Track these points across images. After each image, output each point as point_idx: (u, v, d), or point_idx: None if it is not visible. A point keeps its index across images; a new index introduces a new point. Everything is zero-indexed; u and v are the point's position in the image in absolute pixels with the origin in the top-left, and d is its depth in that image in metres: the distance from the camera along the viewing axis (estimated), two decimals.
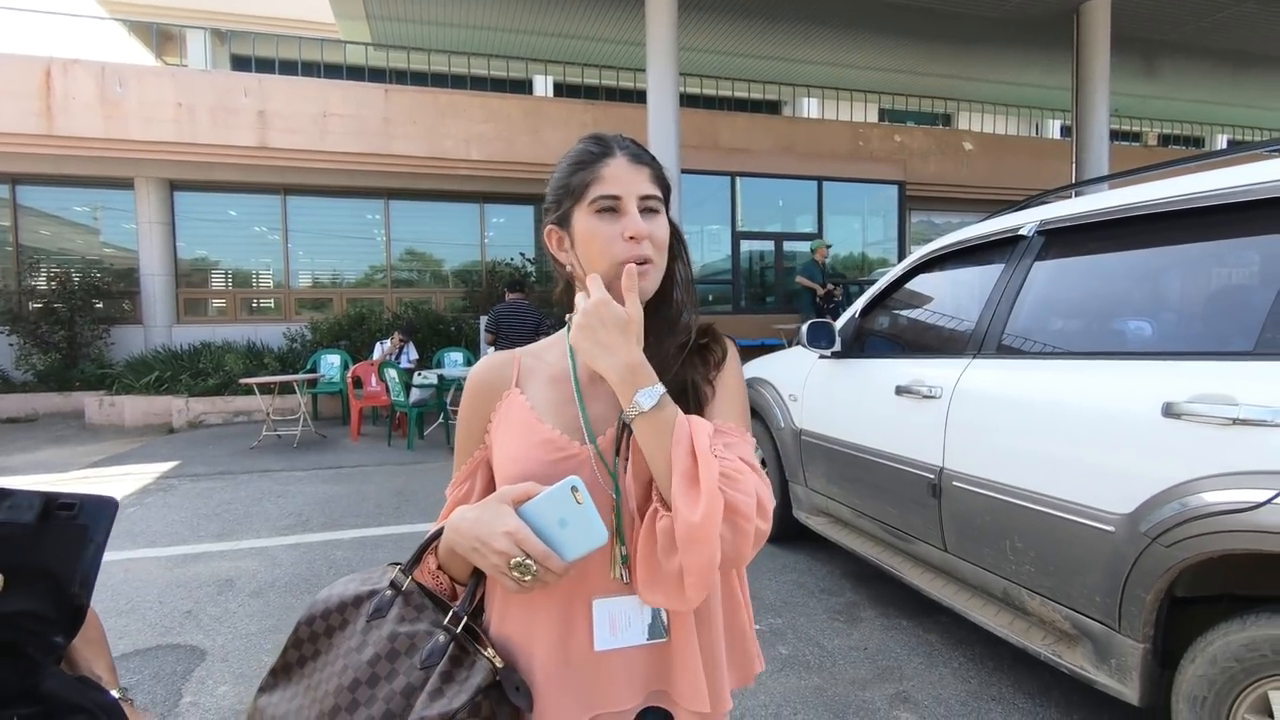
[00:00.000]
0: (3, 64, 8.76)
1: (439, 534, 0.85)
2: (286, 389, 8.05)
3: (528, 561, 0.71)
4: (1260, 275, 1.80)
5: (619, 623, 0.81)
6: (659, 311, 0.89)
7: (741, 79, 12.83)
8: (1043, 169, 12.44)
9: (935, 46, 11.71)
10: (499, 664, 0.77)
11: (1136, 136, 16.99)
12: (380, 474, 5.92)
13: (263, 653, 2.77)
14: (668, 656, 0.83)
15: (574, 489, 0.73)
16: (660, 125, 7.48)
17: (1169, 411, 1.74)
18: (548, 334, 1.01)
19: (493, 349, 6.75)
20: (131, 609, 3.19)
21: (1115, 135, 13.79)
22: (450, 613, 0.80)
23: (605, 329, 0.76)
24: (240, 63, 12.88)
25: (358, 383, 8.15)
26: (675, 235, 0.90)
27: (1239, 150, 2.10)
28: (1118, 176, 2.58)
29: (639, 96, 9.15)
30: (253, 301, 11.04)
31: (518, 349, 0.96)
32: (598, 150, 0.85)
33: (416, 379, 7.31)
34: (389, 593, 0.82)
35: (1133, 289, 2.17)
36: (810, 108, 14.57)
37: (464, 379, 6.97)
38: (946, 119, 16.24)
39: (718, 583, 0.87)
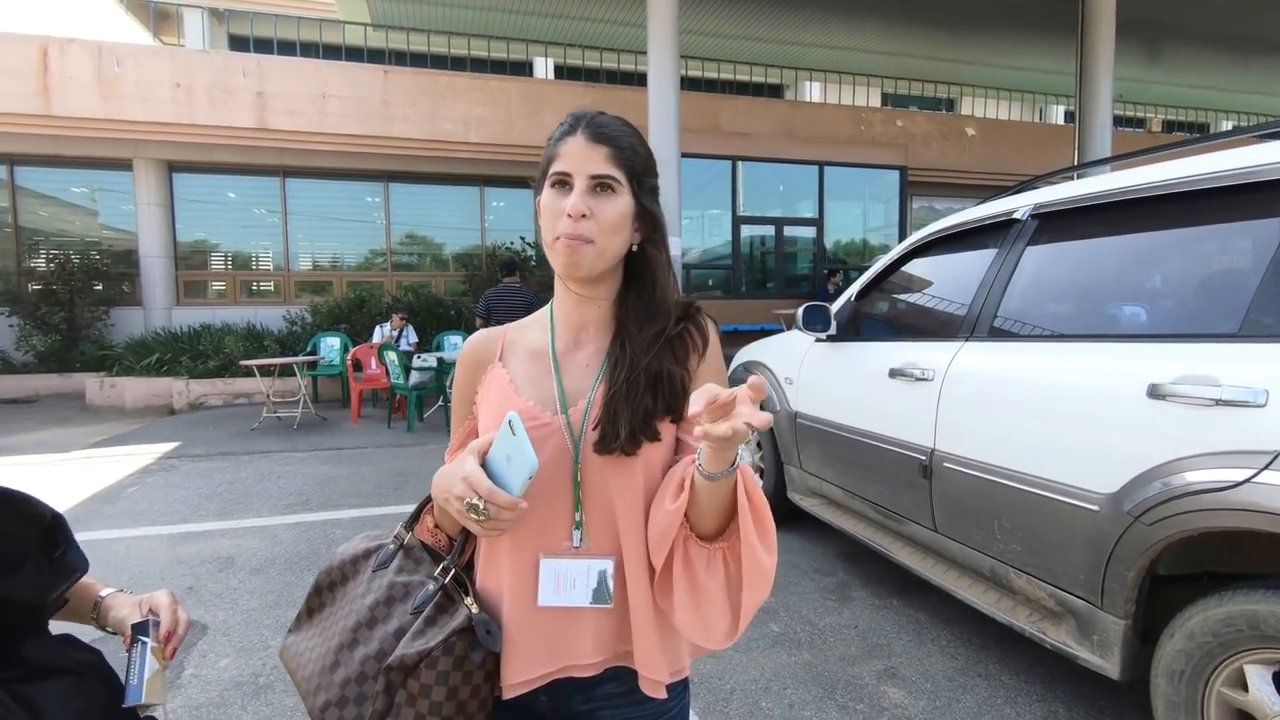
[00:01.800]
0: None
1: None
2: (286, 371, 8.07)
3: (476, 501, 0.74)
4: (1247, 258, 1.82)
5: (563, 583, 0.85)
6: (633, 296, 0.91)
7: (743, 62, 12.75)
8: (1045, 155, 12.38)
9: (939, 30, 11.63)
10: (474, 610, 0.83)
11: (1140, 122, 16.88)
12: (380, 455, 5.96)
13: (263, 627, 2.82)
14: (623, 621, 0.87)
15: (509, 423, 0.77)
16: (660, 108, 7.44)
17: (1154, 393, 1.77)
18: None
19: None
20: (133, 585, 3.24)
21: (1119, 121, 13.71)
22: (441, 565, 0.87)
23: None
24: (238, 43, 12.80)
25: (357, 365, 8.18)
26: (649, 218, 0.90)
27: (1232, 135, 2.11)
28: (1120, 159, 2.58)
29: (640, 79, 9.10)
30: (253, 284, 11.04)
31: (506, 325, 0.99)
32: (565, 127, 0.88)
33: (416, 362, 7.33)
34: (391, 546, 0.93)
35: (1122, 272, 2.19)
36: (812, 91, 14.48)
37: None
38: (950, 104, 16.14)
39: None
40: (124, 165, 10.06)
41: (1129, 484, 1.80)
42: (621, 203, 0.86)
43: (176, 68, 9.32)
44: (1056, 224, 2.40)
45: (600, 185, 0.85)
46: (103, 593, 0.91)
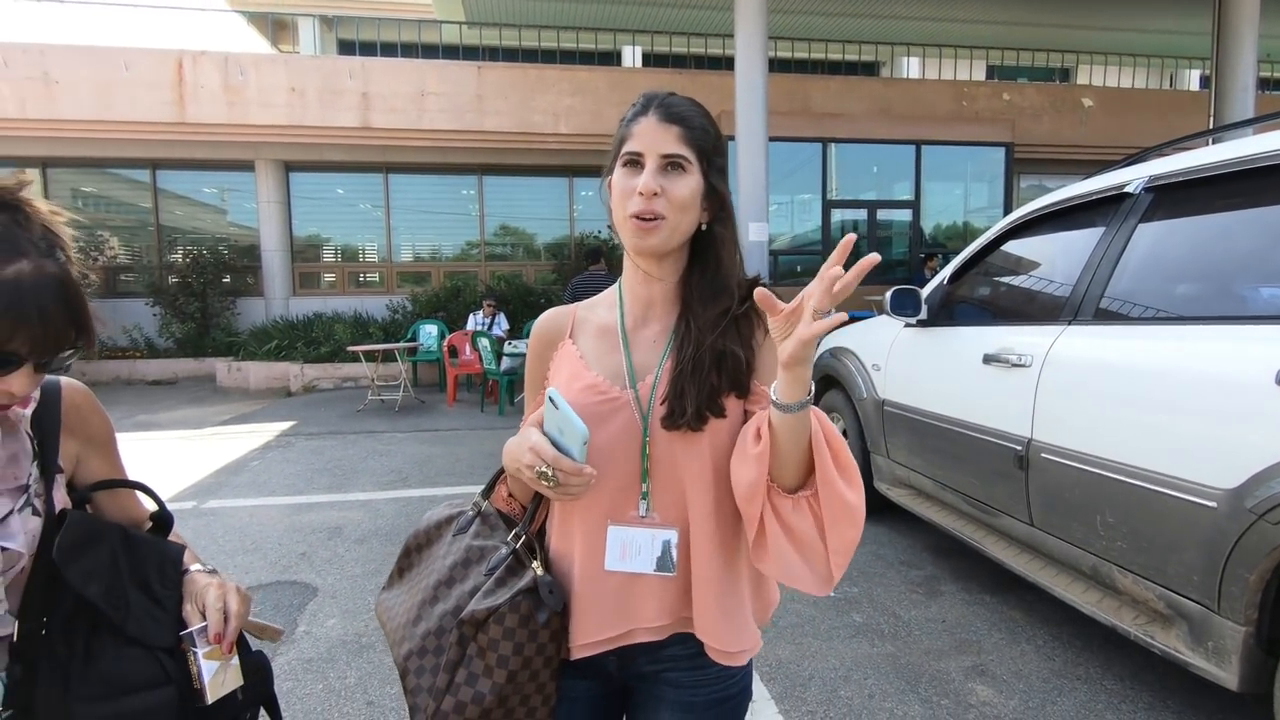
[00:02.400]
0: (142, 58, 9.62)
1: None
2: (389, 357, 8.56)
3: (544, 469, 0.79)
4: None
5: (629, 550, 0.89)
6: (698, 275, 0.93)
7: (835, 40, 12.30)
8: (1175, 125, 11.26)
9: None
10: (539, 572, 0.88)
11: None
12: (473, 437, 6.23)
13: (366, 593, 3.03)
14: (690, 589, 0.89)
15: (551, 399, 0.81)
16: (748, 91, 7.31)
17: None
18: None
19: None
20: (255, 549, 3.55)
21: (1265, 84, 12.32)
22: (513, 530, 0.93)
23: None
24: (345, 46, 13.57)
25: (453, 352, 8.56)
26: (717, 198, 0.91)
27: None
28: (1264, 120, 2.34)
29: (728, 64, 8.97)
30: (359, 275, 11.74)
31: (577, 303, 1.03)
32: (636, 108, 0.90)
33: (507, 348, 7.59)
34: (470, 513, 0.99)
35: (1251, 249, 1.99)
36: (910, 68, 13.80)
37: None
38: (1065, 74, 14.98)
39: (745, 528, 0.91)
40: (247, 166, 10.91)
41: (1252, 479, 1.65)
42: (692, 181, 0.87)
43: (291, 73, 9.99)
44: (1176, 197, 2.20)
45: (671, 164, 0.86)
46: (190, 567, 0.96)
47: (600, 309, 1.00)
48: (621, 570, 0.89)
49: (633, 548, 0.88)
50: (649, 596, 0.89)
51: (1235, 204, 2.05)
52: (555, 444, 0.81)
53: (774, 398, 0.77)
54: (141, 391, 9.22)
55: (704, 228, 0.92)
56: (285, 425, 6.83)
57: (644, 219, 0.85)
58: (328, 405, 8.02)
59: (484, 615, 0.83)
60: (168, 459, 5.51)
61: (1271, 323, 1.76)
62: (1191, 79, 15.41)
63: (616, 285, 1.01)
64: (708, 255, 0.93)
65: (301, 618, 2.81)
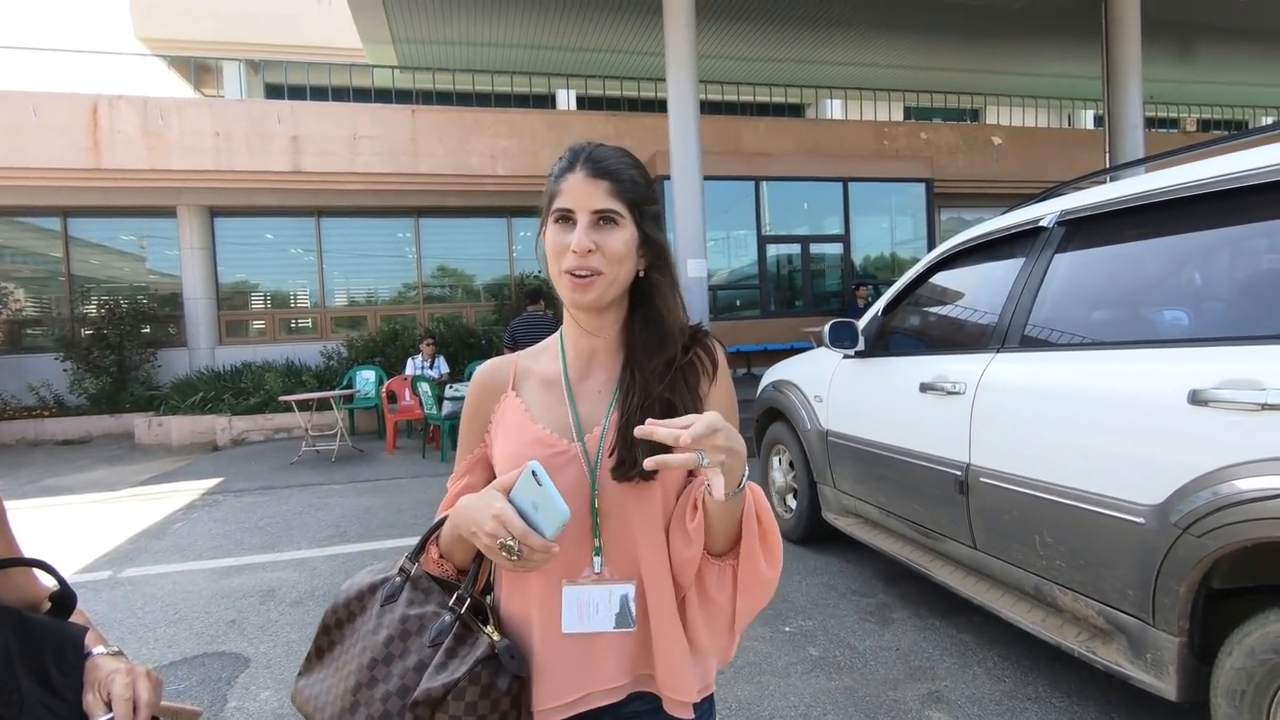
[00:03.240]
0: (54, 102, 9.19)
1: (440, 524, 0.91)
2: (324, 405, 8.25)
3: (510, 542, 0.75)
4: None
5: (587, 610, 0.86)
6: (639, 322, 0.92)
7: (763, 83, 12.82)
8: (1076, 160, 12.14)
9: (960, 42, 11.56)
10: (496, 638, 0.83)
11: (1175, 123, 16.49)
12: (415, 485, 6.03)
13: (302, 660, 2.85)
14: (647, 642, 0.87)
15: (534, 473, 0.77)
16: (681, 133, 7.51)
17: (1195, 399, 1.71)
18: None
19: None
20: (179, 619, 3.31)
21: (1151, 123, 13.41)
22: (455, 594, 0.87)
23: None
24: (274, 90, 13.30)
25: (392, 397, 8.32)
26: (653, 245, 0.91)
27: (1272, 129, 2.05)
28: (1155, 159, 2.53)
29: (660, 105, 9.22)
30: (291, 321, 11.34)
31: (518, 353, 1.01)
32: (564, 163, 0.89)
33: (448, 392, 7.43)
34: (398, 579, 0.90)
35: (1157, 276, 2.13)
36: (834, 109, 14.47)
37: None
38: (974, 114, 15.98)
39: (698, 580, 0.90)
40: (169, 212, 10.48)
41: (1174, 494, 1.74)
42: (625, 234, 0.87)
43: (216, 117, 9.72)
44: (1086, 230, 2.35)
45: (603, 219, 0.86)
46: (93, 651, 0.85)
47: (543, 359, 0.98)
48: (580, 632, 0.85)
49: (590, 607, 0.86)
50: (607, 655, 0.86)
51: (1139, 234, 2.20)
52: (524, 516, 0.77)
53: (708, 487, 0.79)
54: (51, 452, 8.59)
55: (641, 274, 0.92)
56: (212, 482, 6.46)
57: (579, 275, 0.85)
58: (258, 459, 7.64)
59: (440, 693, 0.77)
60: (81, 525, 5.12)
61: (1181, 345, 1.88)
62: (1087, 118, 16.66)
63: (558, 335, 0.99)
64: (648, 303, 0.93)
65: (231, 692, 2.62)
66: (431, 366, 8.45)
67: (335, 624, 0.92)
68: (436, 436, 7.69)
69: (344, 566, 3.96)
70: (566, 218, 0.86)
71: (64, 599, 0.90)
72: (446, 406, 7.37)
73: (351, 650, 0.87)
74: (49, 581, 0.89)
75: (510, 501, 0.79)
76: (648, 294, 0.92)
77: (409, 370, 8.51)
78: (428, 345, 8.58)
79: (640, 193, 0.89)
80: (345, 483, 6.23)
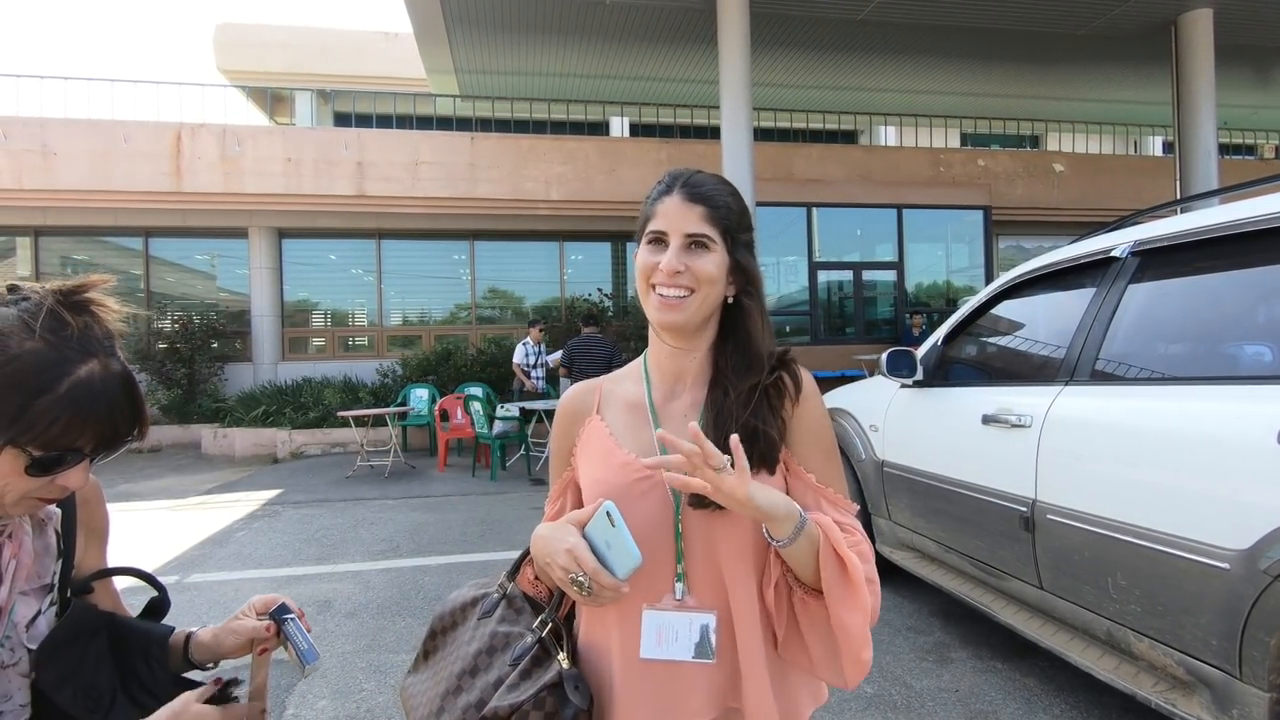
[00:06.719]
0: (142, 130, 9.83)
1: None
2: (379, 421, 8.48)
3: (582, 578, 0.77)
4: None
5: (666, 635, 0.85)
6: (730, 347, 0.93)
7: (816, 110, 12.83)
8: (1143, 188, 11.76)
9: (1019, 67, 11.37)
10: (565, 665, 0.83)
11: (1251, 149, 15.82)
12: (465, 503, 6.12)
13: (357, 670, 2.91)
14: (739, 676, 0.86)
15: (608, 514, 0.78)
16: (734, 160, 7.56)
17: None
18: (621, 366, 1.07)
19: (568, 381, 6.93)
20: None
21: (1225, 149, 12.91)
22: (540, 617, 0.89)
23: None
24: (342, 119, 13.93)
25: (444, 416, 8.49)
26: (743, 272, 0.92)
27: None
28: (1230, 190, 2.44)
29: (713, 132, 9.30)
30: (349, 339, 11.74)
31: (602, 377, 1.03)
32: (662, 187, 0.92)
33: (499, 411, 7.55)
34: (495, 595, 0.94)
35: (1238, 311, 2.04)
36: (888, 135, 14.35)
37: (544, 411, 7.16)
38: (1034, 140, 15.63)
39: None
40: (240, 233, 11.02)
41: (1263, 539, 1.64)
42: (715, 258, 0.88)
43: (288, 144, 10.23)
44: (1161, 261, 2.27)
45: (695, 243, 0.87)
46: (194, 630, 0.94)
47: (626, 383, 0.99)
48: (657, 658, 0.85)
49: (669, 633, 0.85)
50: (692, 688, 0.86)
51: (1218, 267, 2.12)
52: (597, 553, 0.79)
53: (765, 530, 0.81)
54: (124, 460, 9.02)
55: (730, 300, 0.93)
56: (272, 493, 6.69)
57: (666, 295, 0.87)
58: (316, 472, 7.88)
59: (506, 713, 0.79)
60: (150, 531, 5.35)
61: (1266, 383, 1.79)
62: (1155, 145, 16.12)
63: (641, 359, 1.01)
64: (739, 327, 0.93)
65: (290, 699, 2.69)
66: (544, 352, 8.50)
67: (440, 630, 0.97)
68: (487, 455, 7.80)
69: (397, 580, 4.04)
70: (659, 239, 0.89)
71: (159, 605, 0.97)
72: (497, 426, 7.48)
73: (450, 657, 0.92)
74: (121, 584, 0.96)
75: (585, 537, 0.80)
76: (738, 319, 0.93)
77: (517, 358, 8.47)
78: (537, 330, 8.55)
79: (734, 219, 0.91)
80: (398, 498, 6.36)
